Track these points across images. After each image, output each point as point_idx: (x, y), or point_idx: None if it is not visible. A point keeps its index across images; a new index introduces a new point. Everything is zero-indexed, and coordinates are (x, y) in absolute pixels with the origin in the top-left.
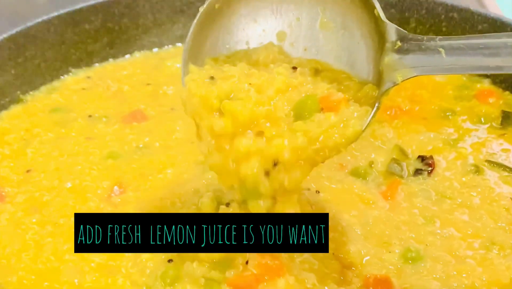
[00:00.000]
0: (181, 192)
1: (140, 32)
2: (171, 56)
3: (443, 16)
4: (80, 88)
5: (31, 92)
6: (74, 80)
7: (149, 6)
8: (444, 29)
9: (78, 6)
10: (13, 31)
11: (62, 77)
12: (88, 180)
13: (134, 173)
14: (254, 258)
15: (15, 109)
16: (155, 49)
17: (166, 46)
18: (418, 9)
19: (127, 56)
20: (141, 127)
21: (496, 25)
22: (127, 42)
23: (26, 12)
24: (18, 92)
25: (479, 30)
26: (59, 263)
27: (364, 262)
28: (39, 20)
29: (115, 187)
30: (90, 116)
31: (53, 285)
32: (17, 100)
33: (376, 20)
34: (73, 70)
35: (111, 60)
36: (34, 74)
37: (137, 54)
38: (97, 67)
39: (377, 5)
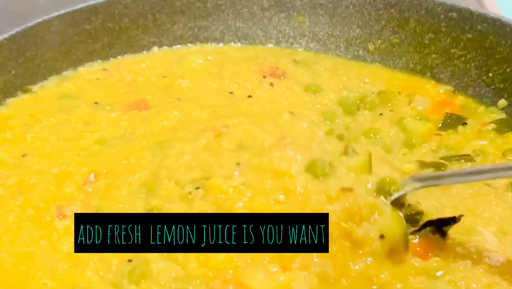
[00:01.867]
0: (134, 180)
1: (140, 32)
2: (192, 52)
3: (442, 16)
4: (94, 78)
5: (40, 83)
6: (89, 71)
7: (149, 6)
8: (443, 29)
9: (78, 6)
10: (13, 31)
11: (78, 68)
12: (72, 166)
13: (110, 160)
14: (218, 283)
15: (24, 97)
16: (155, 49)
17: (164, 46)
18: (417, 9)
19: (144, 52)
20: (139, 115)
21: (495, 25)
22: (127, 42)
23: (26, 12)
24: (19, 92)
25: (478, 30)
26: (34, 249)
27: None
28: (39, 20)
29: (91, 175)
30: (96, 103)
31: (29, 270)
32: (25, 90)
33: None
34: (88, 62)
35: (126, 55)
36: (35, 75)
37: (155, 49)
38: (114, 61)
39: None
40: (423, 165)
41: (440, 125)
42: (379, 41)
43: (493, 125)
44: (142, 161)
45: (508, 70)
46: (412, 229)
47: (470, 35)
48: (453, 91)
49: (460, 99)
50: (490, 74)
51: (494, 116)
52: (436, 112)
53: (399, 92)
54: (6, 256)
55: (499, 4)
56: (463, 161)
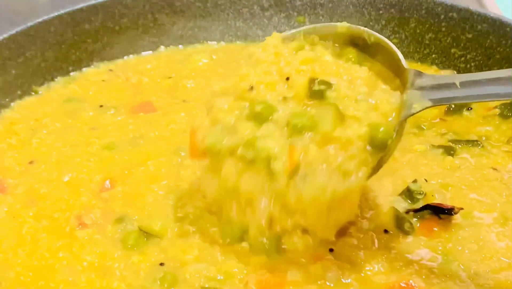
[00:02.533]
0: (159, 187)
1: (140, 32)
2: (197, 52)
3: (442, 16)
4: (100, 80)
5: (46, 85)
6: (95, 72)
7: (149, 6)
8: (443, 29)
9: (78, 6)
10: (13, 31)
11: (84, 69)
12: (84, 172)
13: (124, 166)
14: (253, 277)
15: (28, 99)
16: (161, 48)
17: (165, 46)
18: (418, 9)
19: (150, 52)
20: (146, 118)
21: (495, 25)
22: (127, 42)
23: (26, 12)
24: (19, 92)
25: (478, 30)
26: (53, 261)
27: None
28: (39, 20)
29: (107, 181)
30: (101, 106)
31: (49, 284)
32: (31, 91)
33: (398, 66)
34: (94, 63)
35: (132, 55)
36: (35, 75)
37: (162, 48)
38: (120, 61)
39: (400, 55)
40: (433, 147)
41: (446, 109)
42: None
43: (497, 110)
44: (163, 169)
45: None
46: (411, 208)
47: (470, 35)
48: None
49: None
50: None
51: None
52: None
53: None
54: (22, 270)
55: (499, 4)
56: (470, 145)
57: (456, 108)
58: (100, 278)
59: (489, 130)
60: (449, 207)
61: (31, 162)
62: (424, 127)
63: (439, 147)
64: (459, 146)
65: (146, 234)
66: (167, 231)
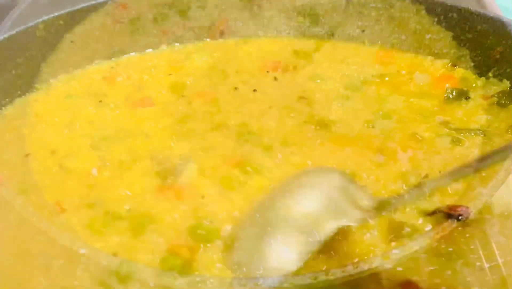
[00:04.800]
0: (141, 181)
1: (141, 32)
2: (197, 50)
3: (442, 16)
4: (101, 77)
5: (46, 83)
6: (97, 69)
7: (149, 6)
8: (443, 29)
9: (78, 6)
10: (13, 31)
11: (85, 67)
12: (75, 162)
13: (118, 156)
14: None
15: (29, 96)
16: (157, 48)
17: (163, 46)
18: (417, 9)
19: (150, 50)
20: (143, 112)
21: (495, 26)
22: (127, 42)
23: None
24: (19, 92)
25: (478, 30)
26: (32, 246)
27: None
28: (39, 20)
29: (93, 169)
30: (100, 101)
31: (25, 269)
32: (31, 89)
33: None
34: (96, 61)
35: (128, 55)
36: (35, 75)
37: (163, 47)
38: (122, 60)
39: None
40: (439, 135)
41: (445, 98)
42: (379, 41)
43: (495, 99)
44: (156, 162)
45: (508, 70)
46: (424, 208)
47: (470, 35)
48: (454, 66)
49: (459, 71)
50: (490, 75)
51: (496, 89)
52: (437, 87)
53: (398, 71)
54: (6, 256)
55: (499, 4)
56: (473, 134)
57: (455, 97)
58: (70, 265)
59: (488, 119)
60: (458, 211)
61: (27, 155)
62: (426, 117)
63: (447, 135)
64: (462, 134)
65: (111, 219)
66: (132, 218)
